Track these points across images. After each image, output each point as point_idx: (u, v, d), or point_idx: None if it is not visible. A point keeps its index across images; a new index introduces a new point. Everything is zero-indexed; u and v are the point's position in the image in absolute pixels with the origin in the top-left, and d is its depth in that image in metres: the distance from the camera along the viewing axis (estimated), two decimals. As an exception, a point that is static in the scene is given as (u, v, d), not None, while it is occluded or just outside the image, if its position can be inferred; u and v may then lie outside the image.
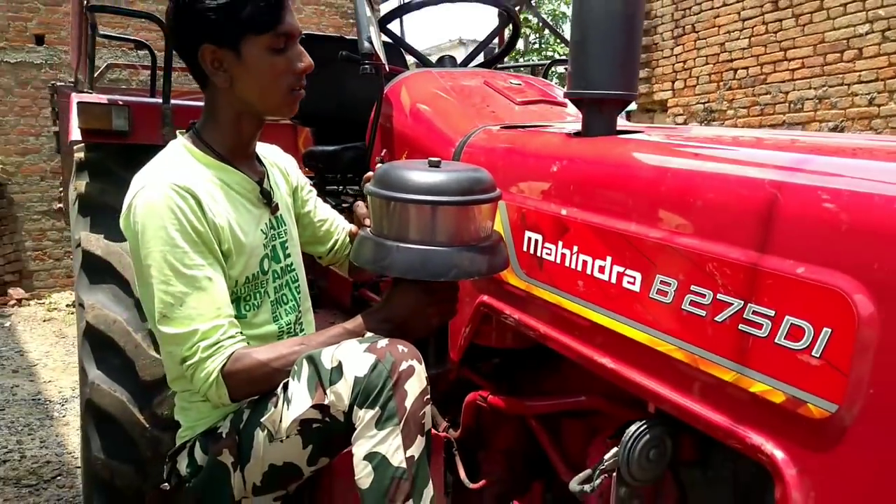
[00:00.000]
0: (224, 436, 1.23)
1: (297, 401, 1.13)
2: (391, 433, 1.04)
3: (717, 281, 0.86)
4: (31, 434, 3.53)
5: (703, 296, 0.88)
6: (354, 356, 1.10)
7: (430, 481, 1.10)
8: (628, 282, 1.00)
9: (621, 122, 1.33)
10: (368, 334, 1.19)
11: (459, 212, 1.12)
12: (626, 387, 1.03)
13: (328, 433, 1.15)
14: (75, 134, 2.19)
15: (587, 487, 1.06)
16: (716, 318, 0.87)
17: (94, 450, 2.06)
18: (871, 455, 0.72)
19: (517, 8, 2.47)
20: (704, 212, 0.90)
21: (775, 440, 0.80)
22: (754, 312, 0.82)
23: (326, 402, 1.10)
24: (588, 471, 1.09)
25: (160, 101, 2.32)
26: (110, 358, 2.06)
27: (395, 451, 1.04)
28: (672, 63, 7.05)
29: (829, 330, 0.74)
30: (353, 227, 1.60)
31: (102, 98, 2.28)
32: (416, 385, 1.09)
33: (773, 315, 0.80)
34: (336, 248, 1.60)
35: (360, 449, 1.06)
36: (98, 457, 2.05)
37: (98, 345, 2.07)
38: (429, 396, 1.11)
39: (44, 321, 6.32)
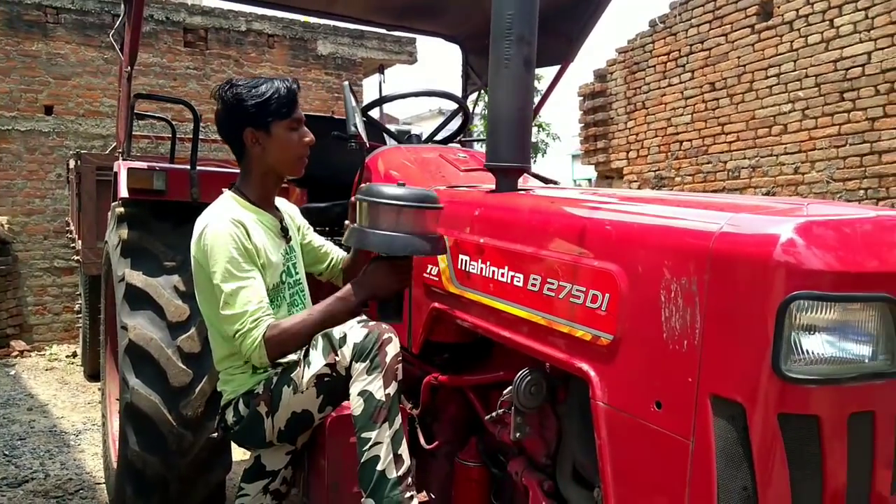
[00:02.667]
0: (260, 393, 1.82)
1: (314, 362, 1.75)
2: (376, 378, 1.65)
3: (558, 274, 1.48)
4: (51, 458, 3.98)
5: (552, 284, 1.49)
6: (355, 329, 1.73)
7: (400, 412, 1.69)
8: (516, 281, 1.61)
9: (532, 182, 1.97)
10: (354, 322, 1.79)
11: (416, 213, 1.73)
12: (518, 348, 1.62)
13: (334, 385, 1.75)
14: (123, 192, 2.79)
15: (494, 415, 1.64)
16: (559, 296, 1.47)
17: (131, 444, 2.57)
18: (629, 356, 1.31)
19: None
20: (551, 234, 1.53)
21: (587, 361, 1.40)
22: (576, 290, 1.43)
23: (335, 360, 1.71)
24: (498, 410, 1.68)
25: (187, 167, 2.93)
26: (147, 369, 2.59)
27: (378, 388, 1.65)
28: (626, 135, 7.86)
29: (608, 294, 1.35)
30: (343, 254, 2.22)
31: (144, 164, 2.89)
32: (392, 349, 1.72)
33: (584, 290, 1.41)
34: (331, 266, 2.24)
35: (354, 388, 1.67)
36: (134, 450, 2.56)
37: (137, 358, 2.60)
38: (400, 357, 1.74)
39: (46, 370, 6.74)
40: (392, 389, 1.69)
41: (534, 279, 1.55)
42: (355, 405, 1.68)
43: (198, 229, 1.85)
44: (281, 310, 1.93)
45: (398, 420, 1.69)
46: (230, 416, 1.89)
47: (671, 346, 1.22)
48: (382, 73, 10.35)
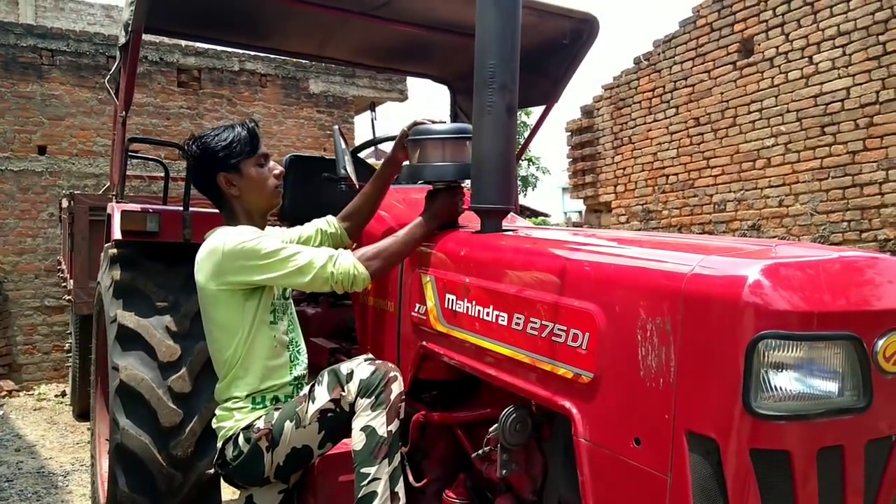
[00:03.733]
0: (261, 427, 1.85)
1: (319, 398, 1.81)
2: (379, 414, 1.71)
3: (541, 313, 1.52)
4: (39, 500, 3.95)
5: (535, 323, 1.54)
6: (362, 367, 1.81)
7: (399, 450, 1.76)
8: (500, 320, 1.65)
9: (520, 221, 2.03)
10: (361, 359, 1.88)
11: (457, 143, 2.00)
12: (503, 385, 1.66)
13: (336, 420, 1.81)
14: (117, 234, 2.83)
15: (481, 452, 1.67)
16: (542, 335, 1.52)
17: (121, 484, 2.57)
18: (609, 393, 1.35)
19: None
20: (533, 275, 1.58)
21: (569, 399, 1.44)
22: (558, 329, 1.47)
23: (340, 396, 1.77)
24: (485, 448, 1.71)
25: (180, 208, 2.98)
26: (137, 409, 2.60)
27: (381, 425, 1.71)
28: (613, 170, 7.99)
29: (588, 333, 1.39)
30: (321, 221, 2.33)
31: (137, 207, 2.94)
32: (397, 387, 1.79)
33: (566, 329, 1.45)
34: (322, 234, 2.29)
35: (357, 423, 1.72)
36: (123, 490, 2.56)
37: (128, 398, 2.61)
38: (404, 396, 1.80)
39: (34, 410, 6.69)
40: (394, 427, 1.75)
41: (517, 318, 1.59)
42: (357, 440, 1.72)
43: (214, 243, 1.89)
44: (283, 322, 2.00)
45: (397, 458, 1.74)
46: (230, 452, 1.90)
47: (648, 384, 1.26)
48: (374, 110, 10.50)
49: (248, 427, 1.90)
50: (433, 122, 2.11)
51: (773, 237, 6.36)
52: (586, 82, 6.59)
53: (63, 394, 7.25)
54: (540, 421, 1.69)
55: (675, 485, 1.19)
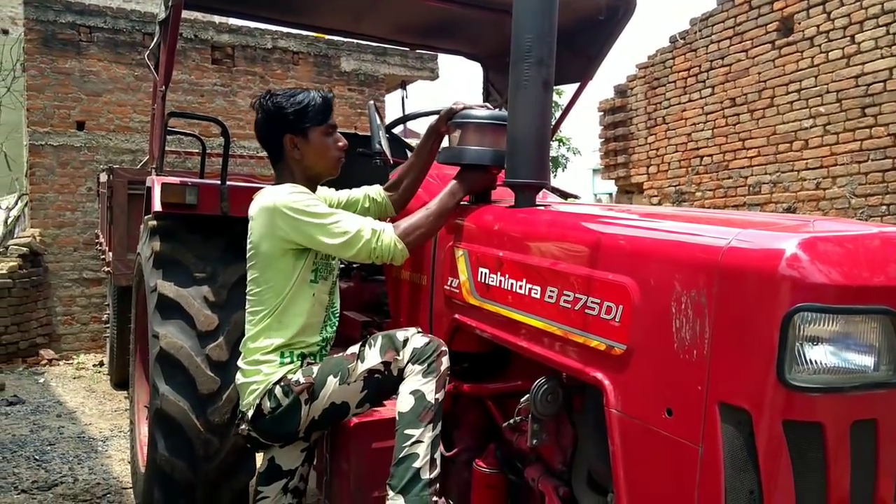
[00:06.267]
0: (299, 381, 1.90)
1: (369, 358, 1.89)
2: (430, 381, 1.79)
3: (574, 286, 1.54)
4: (80, 464, 4.10)
5: (569, 296, 1.55)
6: (416, 337, 1.90)
7: (441, 421, 1.82)
8: (533, 293, 1.67)
9: (551, 198, 2.04)
10: (414, 330, 1.95)
11: (496, 130, 2.04)
12: (535, 357, 1.68)
13: (382, 383, 1.89)
14: (157, 206, 2.89)
15: (512, 422, 1.70)
16: (575, 308, 1.53)
17: (160, 449, 2.66)
18: (641, 365, 1.37)
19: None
20: (567, 248, 1.59)
21: (601, 370, 1.45)
22: (591, 301, 1.49)
23: (393, 359, 1.85)
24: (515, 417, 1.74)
25: (217, 182, 3.04)
26: (177, 376, 2.68)
27: (430, 391, 1.78)
28: (646, 150, 7.90)
29: (622, 306, 1.41)
30: (371, 189, 2.39)
31: (177, 180, 3.00)
32: (447, 361, 1.88)
33: (599, 302, 1.47)
34: (370, 201, 2.36)
35: (406, 386, 1.81)
36: (163, 454, 2.65)
37: (167, 366, 2.69)
38: (449, 370, 1.87)
39: (74, 378, 6.90)
40: (441, 396, 1.82)
41: (551, 291, 1.61)
42: (404, 402, 1.79)
43: (267, 198, 1.95)
44: (324, 283, 2.06)
45: (439, 427, 1.80)
46: (267, 404, 1.93)
47: (681, 356, 1.27)
48: (405, 88, 10.50)
49: (282, 381, 1.94)
50: (476, 107, 2.13)
51: (809, 220, 6.25)
52: (619, 61, 6.51)
53: (101, 363, 7.46)
54: (571, 392, 1.72)
55: (707, 455, 1.20)
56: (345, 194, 2.36)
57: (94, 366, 7.46)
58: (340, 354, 2.00)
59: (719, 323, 1.21)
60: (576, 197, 3.01)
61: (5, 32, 13.58)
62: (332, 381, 1.91)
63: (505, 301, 1.79)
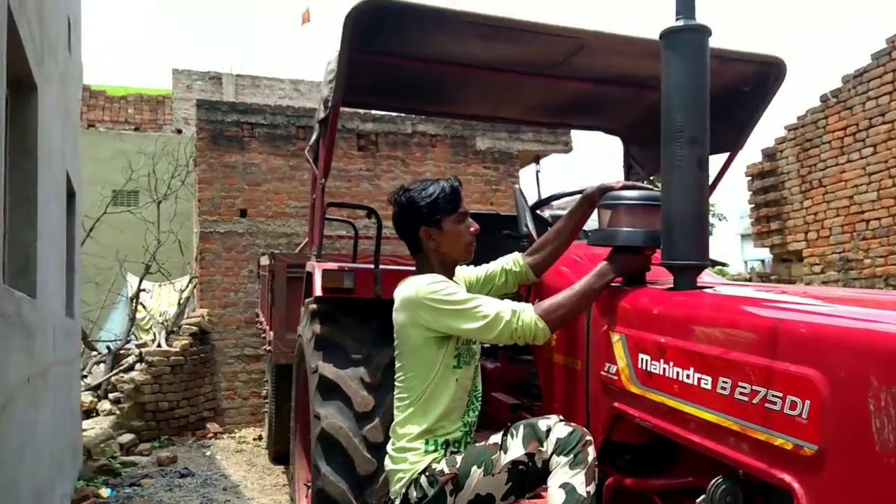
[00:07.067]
0: (444, 471, 1.91)
1: (513, 449, 1.86)
2: (579, 473, 1.73)
3: (751, 377, 1.44)
4: (244, 536, 4.28)
5: (745, 388, 1.46)
6: (559, 426, 1.85)
7: None
8: (703, 383, 1.59)
9: (707, 277, 1.95)
10: (556, 418, 1.90)
11: (649, 211, 1.99)
12: (708, 453, 1.58)
13: (526, 475, 1.84)
14: (318, 290, 3.08)
15: (686, 525, 1.59)
16: (753, 401, 1.43)
17: (319, 530, 2.73)
18: (838, 468, 1.24)
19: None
20: (740, 336, 1.50)
21: (789, 472, 1.33)
22: (772, 395, 1.38)
23: (536, 451, 1.81)
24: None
25: (371, 266, 3.19)
26: (336, 456, 2.77)
27: (580, 484, 1.72)
28: (803, 215, 7.39)
29: (809, 401, 1.30)
30: (507, 260, 2.40)
31: (335, 266, 3.19)
32: (593, 451, 1.81)
33: (781, 395, 1.36)
34: (507, 275, 2.37)
35: (555, 480, 1.75)
36: (321, 534, 2.72)
37: (328, 446, 2.79)
38: (597, 461, 1.80)
39: (236, 452, 7.31)
40: (592, 489, 1.74)
41: (723, 382, 1.52)
42: (555, 497, 1.74)
43: (409, 289, 2.03)
44: (467, 369, 2.07)
45: None
46: (414, 494, 1.95)
47: (885, 460, 1.15)
48: (538, 163, 10.64)
49: (427, 470, 1.96)
50: (624, 188, 2.13)
51: None
52: (764, 123, 6.23)
53: (259, 437, 7.86)
54: (751, 492, 1.59)
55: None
56: (483, 270, 2.40)
57: (254, 439, 7.88)
58: (483, 444, 1.98)
59: (933, 425, 1.08)
60: (724, 265, 2.87)
61: (179, 132, 15.39)
62: (476, 472, 1.89)
63: (670, 390, 1.71)
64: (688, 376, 1.64)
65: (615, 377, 1.96)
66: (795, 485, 1.31)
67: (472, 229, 2.17)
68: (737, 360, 1.50)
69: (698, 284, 1.88)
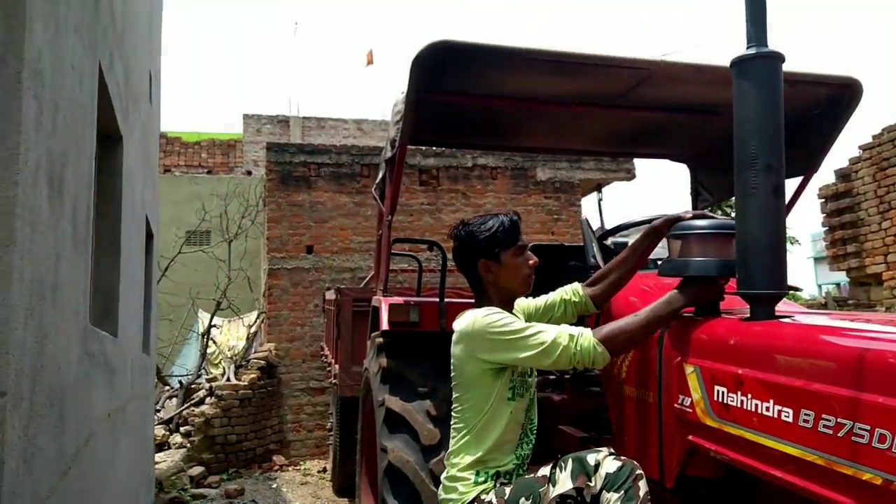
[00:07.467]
0: (493, 502, 1.91)
1: (561, 483, 1.82)
2: None
3: (835, 409, 1.38)
4: (312, 570, 4.30)
5: (829, 420, 1.40)
6: (608, 460, 1.79)
7: None
8: (784, 416, 1.53)
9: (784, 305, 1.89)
10: (606, 451, 1.84)
11: (721, 240, 1.96)
12: (790, 488, 1.51)
13: None
14: (384, 324, 3.13)
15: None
16: (838, 434, 1.37)
17: (388, 558, 2.73)
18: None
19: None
20: (823, 367, 1.45)
21: (882, 509, 1.27)
22: (859, 428, 1.32)
23: (585, 485, 1.74)
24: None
25: (436, 300, 3.22)
26: (403, 489, 2.78)
27: None
28: (881, 237, 7.07)
29: (901, 435, 1.24)
30: (567, 290, 2.38)
31: (401, 300, 3.24)
32: (644, 485, 1.73)
33: (868, 429, 1.30)
34: (565, 304, 2.35)
35: None
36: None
37: (395, 479, 2.80)
38: (649, 495, 1.71)
39: (301, 484, 7.39)
40: None
41: (806, 414, 1.46)
42: None
43: (466, 322, 2.05)
44: (521, 400, 2.06)
45: None
46: None
47: None
48: (600, 192, 10.55)
49: (476, 500, 1.95)
50: (695, 217, 2.10)
51: None
52: (837, 144, 6.02)
53: (324, 470, 7.93)
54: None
55: None
56: (542, 300, 2.39)
57: (319, 472, 7.95)
58: (532, 476, 1.96)
59: None
60: (797, 289, 2.76)
61: (249, 174, 15.97)
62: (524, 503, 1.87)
63: (749, 423, 1.65)
64: (767, 409, 1.58)
65: (689, 409, 1.91)
66: (891, 525, 1.25)
67: (530, 262, 2.17)
68: (820, 391, 1.44)
69: (776, 314, 1.82)
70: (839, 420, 1.37)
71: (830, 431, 1.39)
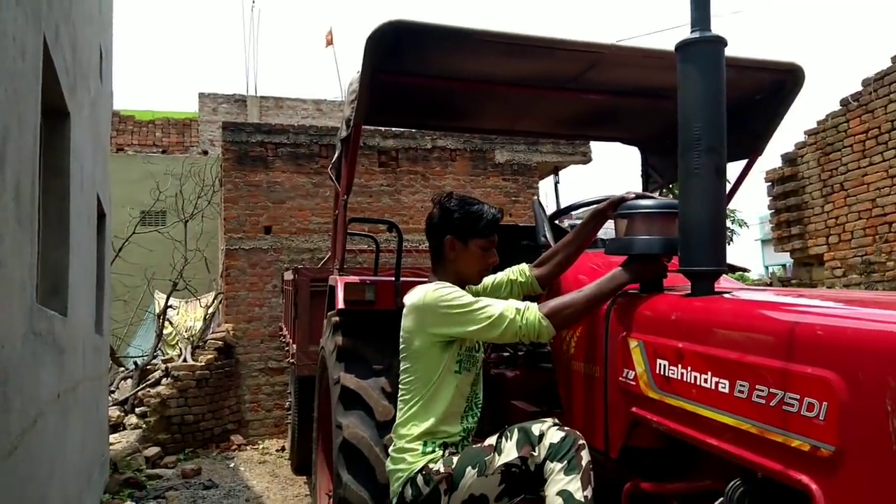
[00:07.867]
0: (441, 470, 1.95)
1: (506, 452, 1.89)
2: (574, 479, 1.71)
3: (768, 380, 1.45)
4: (268, 548, 4.33)
5: (762, 390, 1.47)
6: (552, 431, 1.84)
7: None
8: (720, 387, 1.60)
9: (725, 282, 1.97)
10: (550, 422, 1.90)
11: (666, 218, 2.01)
12: (726, 456, 1.59)
13: (519, 478, 1.86)
14: (340, 303, 3.13)
15: (706, 527, 1.59)
16: (770, 404, 1.44)
17: (342, 537, 2.76)
18: (855, 469, 1.25)
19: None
20: (757, 339, 1.52)
21: (806, 473, 1.34)
22: (789, 397, 1.40)
23: (529, 454, 1.81)
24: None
25: (392, 279, 3.24)
26: (358, 465, 2.81)
27: (577, 490, 1.70)
28: (824, 220, 7.32)
29: (826, 403, 1.31)
30: (514, 271, 2.43)
31: (357, 279, 3.24)
32: (587, 454, 1.80)
33: (798, 397, 1.37)
34: (513, 284, 2.40)
35: (552, 488, 1.74)
36: (344, 544, 2.75)
37: (350, 455, 2.83)
38: (591, 463, 1.80)
39: (259, 463, 7.38)
40: (589, 493, 1.76)
41: (741, 385, 1.53)
42: None
43: (417, 296, 2.09)
44: (468, 374, 2.12)
45: None
46: (409, 492, 2.02)
47: (904, 460, 1.15)
48: (557, 174, 10.65)
49: (423, 469, 2.01)
50: (638, 197, 2.15)
51: None
52: (782, 130, 6.20)
53: (282, 448, 7.92)
54: (769, 495, 1.59)
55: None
56: (490, 279, 2.44)
57: (277, 451, 7.94)
58: (479, 445, 2.04)
59: (948, 423, 1.09)
60: (745, 270, 2.87)
61: (205, 153, 15.65)
62: (470, 473, 1.94)
63: (688, 395, 1.72)
64: (705, 380, 1.65)
65: (633, 383, 1.97)
66: (813, 486, 1.32)
67: (491, 260, 2.24)
68: (754, 363, 1.51)
69: (716, 290, 1.90)
70: (771, 390, 1.45)
71: (763, 401, 1.47)
